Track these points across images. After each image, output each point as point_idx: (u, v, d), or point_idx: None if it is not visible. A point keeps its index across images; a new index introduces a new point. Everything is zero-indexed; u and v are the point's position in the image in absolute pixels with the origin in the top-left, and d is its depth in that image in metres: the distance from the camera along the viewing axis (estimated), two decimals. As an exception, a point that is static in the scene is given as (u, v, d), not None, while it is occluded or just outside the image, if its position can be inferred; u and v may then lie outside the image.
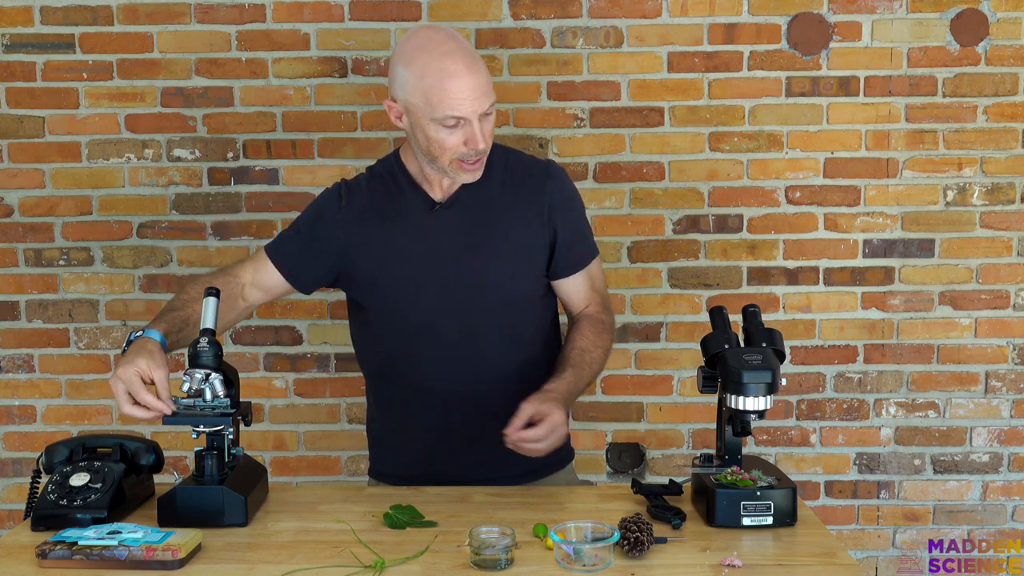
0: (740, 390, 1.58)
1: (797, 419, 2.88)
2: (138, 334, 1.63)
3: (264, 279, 1.87)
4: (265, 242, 1.88)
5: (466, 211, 1.82)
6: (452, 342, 1.83)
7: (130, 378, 1.53)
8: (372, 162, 1.95)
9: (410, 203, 1.84)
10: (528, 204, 1.85)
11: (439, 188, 1.83)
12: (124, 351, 1.61)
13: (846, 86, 2.75)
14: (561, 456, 1.93)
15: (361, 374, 2.80)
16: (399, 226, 1.83)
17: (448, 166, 1.74)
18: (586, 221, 1.94)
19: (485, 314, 1.83)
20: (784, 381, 2.82)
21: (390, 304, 1.85)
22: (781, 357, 1.65)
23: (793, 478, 1.76)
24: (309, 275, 1.89)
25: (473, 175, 1.77)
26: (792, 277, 2.82)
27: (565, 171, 1.93)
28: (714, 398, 1.67)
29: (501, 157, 1.86)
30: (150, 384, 1.56)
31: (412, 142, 1.79)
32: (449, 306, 1.82)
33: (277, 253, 1.88)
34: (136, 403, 1.54)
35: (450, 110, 1.67)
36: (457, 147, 1.71)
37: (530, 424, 1.65)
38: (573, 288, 1.91)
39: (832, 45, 2.73)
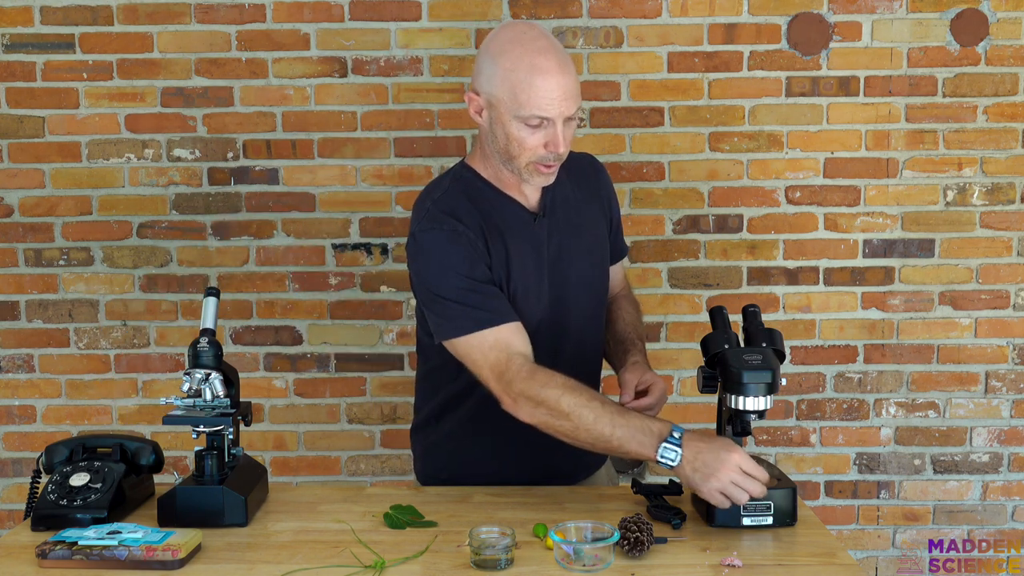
0: (740, 390, 1.57)
1: (797, 419, 2.88)
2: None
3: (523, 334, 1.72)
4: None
5: (555, 215, 1.80)
6: (555, 345, 1.78)
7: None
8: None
9: (509, 212, 1.76)
10: (591, 199, 1.87)
11: (519, 192, 1.77)
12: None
13: (846, 86, 2.75)
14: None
15: (361, 374, 2.84)
16: (509, 236, 1.75)
17: (524, 167, 1.68)
18: None
19: (581, 316, 1.83)
20: (784, 381, 2.82)
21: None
22: (781, 357, 1.65)
23: (793, 478, 1.77)
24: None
25: (547, 179, 1.71)
26: (792, 277, 2.82)
27: None
28: (714, 398, 1.67)
29: None
30: None
31: (488, 140, 1.72)
32: (557, 309, 1.79)
33: (499, 315, 1.68)
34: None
35: (536, 109, 1.61)
36: (536, 148, 1.65)
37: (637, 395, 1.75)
38: (616, 274, 1.99)
39: (832, 45, 2.73)
